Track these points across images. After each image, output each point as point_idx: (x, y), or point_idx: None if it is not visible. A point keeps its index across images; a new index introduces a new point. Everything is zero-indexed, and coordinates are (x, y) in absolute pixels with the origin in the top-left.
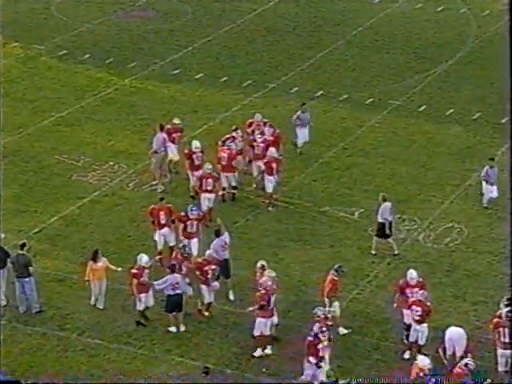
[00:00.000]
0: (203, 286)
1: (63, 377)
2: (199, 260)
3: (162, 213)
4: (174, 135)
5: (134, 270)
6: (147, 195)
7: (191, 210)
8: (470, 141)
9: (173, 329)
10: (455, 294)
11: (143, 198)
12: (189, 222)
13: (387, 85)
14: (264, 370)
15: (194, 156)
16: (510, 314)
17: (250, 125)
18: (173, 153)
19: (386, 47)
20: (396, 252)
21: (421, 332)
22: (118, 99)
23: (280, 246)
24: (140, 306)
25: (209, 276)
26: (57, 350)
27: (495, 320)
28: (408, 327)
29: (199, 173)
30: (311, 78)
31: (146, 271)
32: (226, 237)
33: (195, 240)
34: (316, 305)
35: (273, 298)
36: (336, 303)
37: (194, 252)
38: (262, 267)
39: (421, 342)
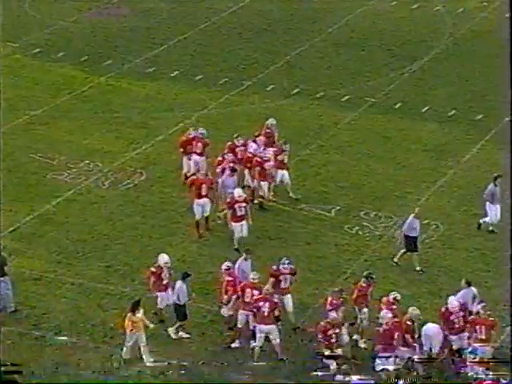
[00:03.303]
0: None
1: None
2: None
3: (204, 185)
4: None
5: (152, 269)
6: (123, 194)
7: (283, 263)
8: (446, 138)
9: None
10: (431, 290)
11: (119, 196)
12: (282, 277)
13: (363, 82)
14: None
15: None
16: (486, 309)
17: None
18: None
19: (361, 44)
20: (418, 268)
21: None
22: (93, 97)
23: (257, 244)
24: (161, 304)
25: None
26: (32, 350)
27: (471, 317)
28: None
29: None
30: (287, 76)
31: (166, 271)
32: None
33: (289, 296)
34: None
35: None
36: (365, 310)
37: (289, 309)
38: (228, 269)
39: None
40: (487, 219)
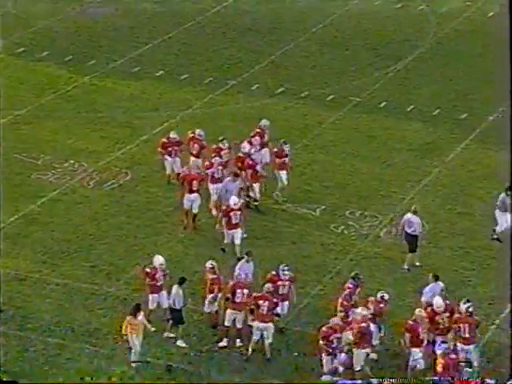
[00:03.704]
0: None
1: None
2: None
3: (195, 181)
4: (170, 148)
5: (147, 269)
6: (108, 194)
7: (282, 270)
8: (430, 137)
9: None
10: (416, 289)
11: (104, 196)
12: (280, 283)
13: (348, 81)
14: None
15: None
16: (470, 310)
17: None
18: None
19: (345, 44)
20: (406, 267)
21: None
22: (77, 97)
23: (243, 244)
24: (151, 305)
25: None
26: (17, 350)
27: (455, 316)
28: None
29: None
30: (272, 75)
31: (160, 272)
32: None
33: (286, 303)
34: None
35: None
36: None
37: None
38: (212, 268)
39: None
40: (497, 228)
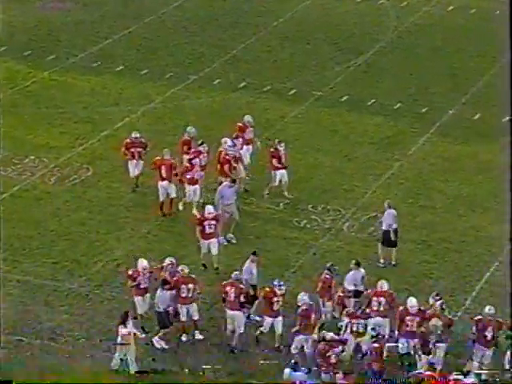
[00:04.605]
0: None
1: None
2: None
3: (163, 167)
4: (133, 150)
5: (129, 272)
6: (69, 189)
7: (279, 285)
8: (392, 130)
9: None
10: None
11: (65, 192)
12: (275, 299)
13: (309, 76)
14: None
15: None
16: (444, 306)
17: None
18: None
19: (307, 38)
20: (393, 262)
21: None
22: (37, 92)
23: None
24: (139, 310)
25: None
26: None
27: (428, 313)
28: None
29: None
30: (233, 70)
31: (142, 275)
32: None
33: (280, 318)
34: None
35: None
36: (328, 303)
37: (278, 332)
38: (171, 264)
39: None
40: None
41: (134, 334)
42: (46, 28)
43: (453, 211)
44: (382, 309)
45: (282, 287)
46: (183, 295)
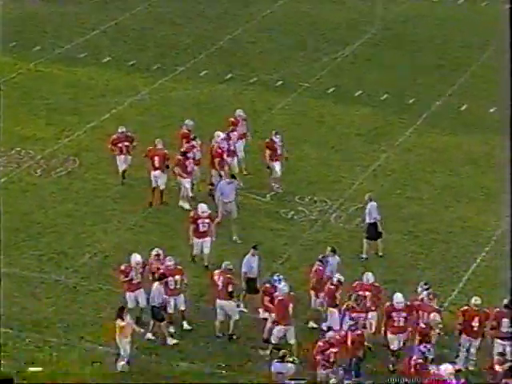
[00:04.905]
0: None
1: None
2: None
3: (156, 158)
4: (121, 145)
5: (122, 267)
6: (55, 181)
7: (279, 281)
8: (379, 122)
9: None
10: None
11: (51, 184)
12: (276, 294)
13: (296, 67)
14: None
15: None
16: (431, 296)
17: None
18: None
19: (293, 29)
20: (380, 254)
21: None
22: (22, 84)
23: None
24: (130, 305)
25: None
26: None
27: (416, 303)
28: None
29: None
30: (220, 61)
31: (135, 271)
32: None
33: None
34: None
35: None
36: (322, 294)
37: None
38: (158, 255)
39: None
40: None
41: (132, 327)
42: (32, 19)
43: (440, 202)
44: (368, 303)
45: (283, 282)
46: (171, 287)
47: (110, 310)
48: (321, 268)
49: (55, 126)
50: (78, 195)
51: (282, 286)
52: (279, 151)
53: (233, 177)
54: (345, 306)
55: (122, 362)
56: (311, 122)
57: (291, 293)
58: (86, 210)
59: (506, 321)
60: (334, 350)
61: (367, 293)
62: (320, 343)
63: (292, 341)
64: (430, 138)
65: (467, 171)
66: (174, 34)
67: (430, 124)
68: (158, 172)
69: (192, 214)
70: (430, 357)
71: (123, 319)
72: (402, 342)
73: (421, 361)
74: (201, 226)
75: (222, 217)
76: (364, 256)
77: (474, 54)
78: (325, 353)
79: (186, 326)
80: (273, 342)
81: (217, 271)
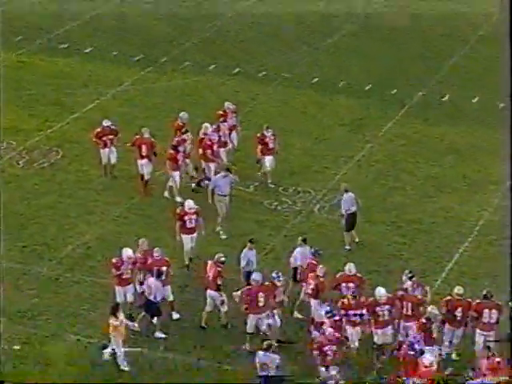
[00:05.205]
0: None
1: None
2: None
3: (143, 146)
4: (105, 138)
5: (113, 260)
6: (38, 172)
7: (277, 277)
8: (362, 112)
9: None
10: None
11: (34, 175)
12: (277, 291)
13: (279, 57)
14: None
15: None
16: (415, 286)
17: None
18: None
19: (276, 20)
20: (357, 240)
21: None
22: (4, 74)
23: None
24: (118, 298)
25: None
26: None
27: (400, 293)
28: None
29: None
30: (203, 52)
31: (126, 265)
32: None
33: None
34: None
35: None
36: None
37: (277, 325)
38: (145, 251)
39: None
40: None
41: (126, 324)
42: (13, 10)
43: (422, 192)
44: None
45: (281, 278)
46: (162, 279)
47: (94, 302)
48: (314, 262)
49: (38, 117)
50: (61, 187)
51: (255, 276)
52: (271, 145)
53: (228, 170)
54: (340, 303)
55: (108, 350)
56: (295, 112)
57: (260, 280)
58: (69, 202)
59: (486, 311)
60: (331, 347)
61: (351, 284)
62: (319, 339)
63: (263, 328)
64: (413, 128)
65: (450, 161)
66: (155, 25)
67: (412, 114)
68: (145, 161)
69: (179, 210)
70: (419, 348)
71: (117, 317)
72: (389, 336)
73: (412, 352)
74: (188, 222)
75: (221, 210)
76: (347, 247)
77: (456, 45)
78: (322, 349)
79: (175, 315)
80: (248, 331)
81: (210, 261)
